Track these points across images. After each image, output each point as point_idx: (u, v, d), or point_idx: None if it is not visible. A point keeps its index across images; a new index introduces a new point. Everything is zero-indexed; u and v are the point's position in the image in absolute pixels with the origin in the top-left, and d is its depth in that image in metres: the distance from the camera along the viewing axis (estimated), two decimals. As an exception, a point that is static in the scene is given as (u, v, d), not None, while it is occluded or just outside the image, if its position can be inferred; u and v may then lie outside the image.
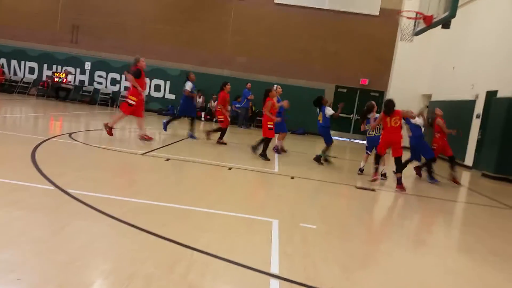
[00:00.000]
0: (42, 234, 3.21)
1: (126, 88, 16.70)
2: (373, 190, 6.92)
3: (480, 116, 11.99)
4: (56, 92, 18.67)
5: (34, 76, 19.17)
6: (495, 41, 11.67)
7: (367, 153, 8.39)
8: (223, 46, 18.76)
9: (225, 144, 10.04)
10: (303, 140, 15.07)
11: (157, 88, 18.98)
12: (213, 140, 10.18)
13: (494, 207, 7.01)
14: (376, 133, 8.00)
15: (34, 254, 2.82)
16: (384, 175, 7.98)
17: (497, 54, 11.39)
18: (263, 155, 8.36)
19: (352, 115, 18.27)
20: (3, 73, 18.97)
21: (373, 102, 8.23)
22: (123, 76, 19.05)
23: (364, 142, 8.95)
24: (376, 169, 7.56)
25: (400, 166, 7.25)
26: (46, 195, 4.20)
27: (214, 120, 17.15)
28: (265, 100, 8.55)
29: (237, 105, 17.16)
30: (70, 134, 8.53)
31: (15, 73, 19.27)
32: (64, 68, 18.92)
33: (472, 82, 12.77)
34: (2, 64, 19.11)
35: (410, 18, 10.78)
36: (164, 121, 10.70)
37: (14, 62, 19.20)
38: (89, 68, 19.03)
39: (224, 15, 18.56)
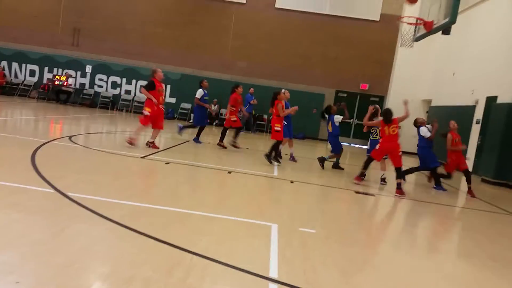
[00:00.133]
0: (41, 236, 3.20)
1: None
2: (372, 195, 6.92)
3: (480, 122, 12.00)
4: (56, 95, 18.70)
5: (35, 79, 19.21)
6: (495, 47, 11.71)
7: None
8: (224, 50, 18.82)
9: (240, 148, 10.01)
10: (303, 144, 15.09)
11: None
12: (213, 143, 10.18)
13: (494, 212, 7.00)
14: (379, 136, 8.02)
15: (33, 257, 2.81)
16: (383, 180, 7.98)
17: (497, 59, 11.43)
18: (268, 156, 8.23)
19: (352, 120, 18.28)
20: (4, 75, 19.01)
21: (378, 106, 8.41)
22: (124, 80, 19.12)
23: (365, 146, 8.95)
24: (362, 174, 7.59)
25: (400, 173, 7.26)
26: (45, 198, 4.20)
27: (213, 123, 17.20)
28: (273, 103, 8.50)
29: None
30: (70, 137, 8.54)
31: (16, 76, 19.31)
32: (65, 71, 18.97)
33: (472, 88, 12.80)
34: (3, 67, 19.15)
35: (410, 24, 10.81)
36: (180, 125, 10.48)
37: (15, 65, 19.25)
38: (90, 71, 19.07)
39: (225, 19, 18.64)
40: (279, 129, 8.39)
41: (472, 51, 13.17)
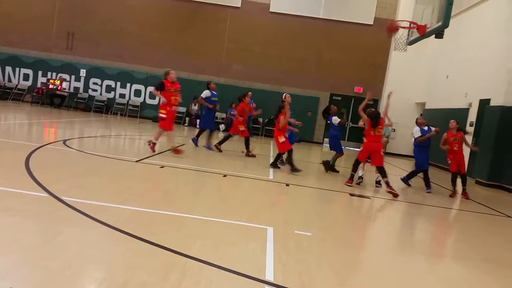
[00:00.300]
0: (34, 241, 3.18)
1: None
2: (368, 197, 6.95)
3: (474, 124, 12.10)
4: (50, 99, 18.61)
5: (29, 82, 19.12)
6: (488, 50, 11.84)
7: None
8: (219, 54, 18.85)
9: (254, 156, 9.97)
10: (299, 148, 15.10)
11: (152, 95, 18.97)
12: (201, 146, 10.16)
13: (487, 214, 7.05)
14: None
15: (26, 262, 2.79)
16: (378, 183, 8.01)
17: (490, 62, 11.55)
18: (293, 169, 8.19)
19: (346, 123, 18.35)
20: (-2, 79, 18.90)
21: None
22: (118, 84, 19.07)
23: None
24: (352, 176, 7.68)
25: (384, 172, 7.39)
26: (39, 202, 4.17)
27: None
28: (277, 115, 8.51)
29: (232, 112, 17.18)
30: (64, 141, 8.49)
31: (9, 80, 19.20)
32: (59, 75, 18.89)
33: (466, 91, 12.92)
34: (-3, 71, 19.06)
35: (404, 27, 10.90)
36: (205, 144, 10.25)
37: (8, 69, 19.14)
38: (84, 75, 19.01)
39: (220, 23, 18.68)
40: (283, 140, 8.35)
41: (465, 54, 13.30)
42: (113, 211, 4.19)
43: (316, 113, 17.94)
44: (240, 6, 18.62)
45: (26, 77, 19.15)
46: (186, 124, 18.21)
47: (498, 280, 3.82)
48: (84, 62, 19.02)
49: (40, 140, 8.92)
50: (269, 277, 3.04)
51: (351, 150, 17.62)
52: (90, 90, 19.06)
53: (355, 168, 7.71)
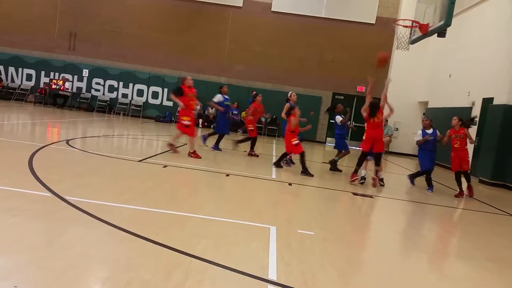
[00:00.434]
0: (38, 241, 3.19)
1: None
2: (370, 196, 6.94)
3: (477, 123, 12.05)
4: (53, 99, 18.67)
5: (32, 83, 19.18)
6: (490, 49, 11.79)
7: (367, 159, 8.42)
8: (220, 53, 18.86)
9: (257, 156, 9.97)
10: (301, 147, 15.07)
11: (155, 95, 19.03)
12: (209, 146, 10.17)
13: (491, 213, 7.02)
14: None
15: (30, 261, 2.80)
16: (382, 180, 8.01)
17: (493, 61, 11.51)
18: (305, 172, 8.11)
19: (349, 122, 18.30)
20: (1, 80, 18.97)
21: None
22: (121, 84, 19.10)
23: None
24: (356, 170, 7.72)
25: (379, 160, 7.61)
26: (43, 201, 4.18)
27: (211, 126, 17.16)
28: (288, 116, 8.48)
29: (234, 111, 17.19)
30: (67, 141, 8.52)
31: (12, 80, 19.27)
32: (62, 75, 18.95)
33: (468, 90, 12.88)
34: (0, 71, 19.11)
35: (406, 26, 10.87)
36: (213, 146, 10.16)
37: (11, 69, 19.21)
38: (87, 75, 19.06)
39: (222, 23, 18.69)
40: (297, 142, 8.29)
41: (468, 53, 13.26)
42: (116, 210, 4.20)
43: (318, 113, 17.92)
44: (241, 5, 18.61)
45: (29, 77, 19.22)
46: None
47: (502, 279, 3.80)
48: (86, 62, 19.07)
49: (43, 140, 8.95)
50: (272, 276, 3.04)
51: (353, 149, 17.61)
52: (92, 90, 19.11)
53: (360, 163, 7.72)
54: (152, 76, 18.90)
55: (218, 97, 10.11)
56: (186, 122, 8.36)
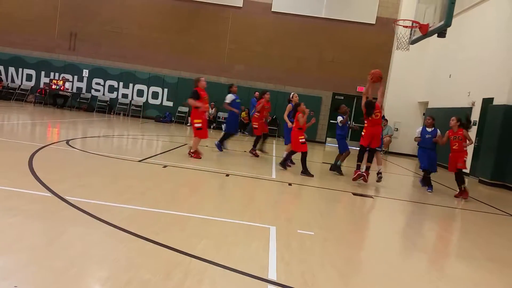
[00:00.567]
0: (38, 240, 3.19)
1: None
2: (370, 196, 6.94)
3: (477, 123, 12.06)
4: (53, 99, 18.68)
5: (32, 83, 19.18)
6: (491, 49, 11.79)
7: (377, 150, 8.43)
8: (221, 54, 18.86)
9: (258, 155, 9.94)
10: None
11: (155, 95, 19.03)
12: (212, 145, 10.17)
13: (491, 213, 7.02)
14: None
15: (30, 261, 2.80)
16: (379, 175, 8.02)
17: (493, 61, 11.50)
18: (305, 172, 8.11)
19: (349, 122, 18.31)
20: (1, 80, 18.97)
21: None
22: (121, 84, 19.08)
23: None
24: (358, 166, 7.74)
25: (372, 157, 7.78)
26: (42, 201, 4.18)
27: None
28: (294, 113, 8.46)
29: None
30: (67, 141, 8.52)
31: (12, 80, 19.27)
32: (62, 75, 18.95)
33: (468, 90, 12.87)
34: (0, 71, 19.11)
35: (406, 27, 10.87)
36: (216, 142, 10.12)
37: (11, 69, 19.22)
38: (87, 75, 19.06)
39: (222, 23, 18.69)
40: (304, 140, 8.28)
41: (468, 53, 13.26)
42: (116, 210, 4.20)
43: (318, 113, 17.92)
44: (242, 6, 18.62)
45: (29, 78, 19.22)
46: (188, 124, 18.21)
47: (502, 279, 3.80)
48: (86, 63, 19.08)
49: (43, 140, 8.95)
50: (272, 276, 3.04)
51: (353, 149, 17.62)
52: (92, 90, 19.11)
53: (360, 158, 7.78)
54: (152, 76, 18.91)
55: (229, 97, 10.02)
56: (197, 125, 8.34)
